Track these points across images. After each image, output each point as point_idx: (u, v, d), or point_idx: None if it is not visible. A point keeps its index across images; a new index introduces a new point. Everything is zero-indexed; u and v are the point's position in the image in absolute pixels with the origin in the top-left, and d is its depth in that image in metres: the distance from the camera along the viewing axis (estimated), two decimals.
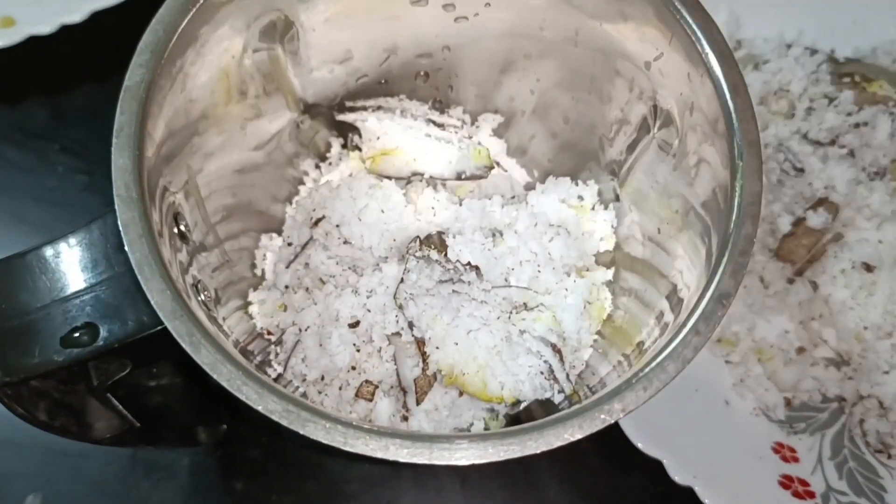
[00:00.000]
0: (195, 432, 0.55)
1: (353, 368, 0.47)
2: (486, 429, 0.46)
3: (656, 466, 0.52)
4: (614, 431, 0.50)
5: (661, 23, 0.41)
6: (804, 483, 0.55)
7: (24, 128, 0.68)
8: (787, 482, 0.54)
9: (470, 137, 0.54)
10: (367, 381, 0.46)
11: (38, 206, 0.66)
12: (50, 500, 0.56)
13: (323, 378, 0.47)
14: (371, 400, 0.46)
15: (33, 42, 0.62)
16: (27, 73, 0.68)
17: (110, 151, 0.36)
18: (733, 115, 0.38)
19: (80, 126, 0.68)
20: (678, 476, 0.52)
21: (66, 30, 0.62)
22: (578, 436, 0.33)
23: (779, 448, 0.57)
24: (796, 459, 0.57)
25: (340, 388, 0.47)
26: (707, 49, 0.40)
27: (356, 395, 0.46)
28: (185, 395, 0.52)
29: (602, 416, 0.33)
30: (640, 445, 0.51)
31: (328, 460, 0.57)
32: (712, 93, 0.39)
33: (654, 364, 0.34)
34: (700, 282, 0.38)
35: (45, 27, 0.62)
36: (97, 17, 0.63)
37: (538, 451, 0.32)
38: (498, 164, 0.55)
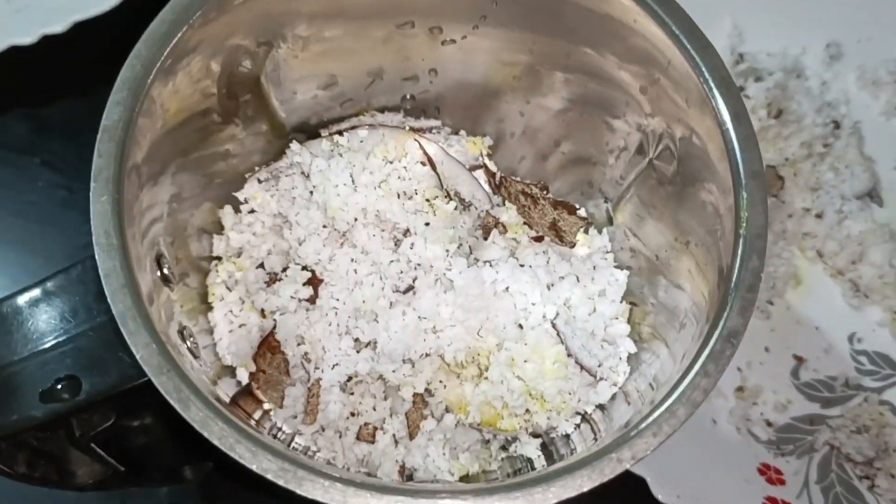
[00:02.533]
0: (181, 471, 0.53)
1: (353, 414, 0.45)
2: (480, 469, 0.45)
3: (640, 484, 0.51)
4: None
5: (658, 47, 0.40)
6: None
7: (3, 141, 0.66)
8: None
9: (457, 133, 0.53)
10: (365, 424, 0.45)
11: (18, 222, 0.63)
12: None
13: (321, 430, 0.45)
14: (374, 441, 0.44)
15: (14, 53, 0.60)
16: (7, 84, 0.66)
17: (91, 166, 0.34)
18: (735, 145, 0.37)
19: (60, 140, 0.66)
20: (661, 494, 0.51)
21: (47, 40, 0.60)
22: (587, 487, 0.32)
23: (765, 469, 0.56)
24: (782, 482, 0.56)
25: (340, 435, 0.45)
26: (707, 75, 0.38)
27: (357, 437, 0.44)
28: (169, 434, 0.50)
29: (612, 465, 0.32)
30: None
31: None
32: (712, 121, 0.38)
33: (663, 408, 0.33)
34: (706, 317, 0.36)
35: (27, 38, 0.59)
36: (80, 28, 0.60)
37: None
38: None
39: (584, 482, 0.32)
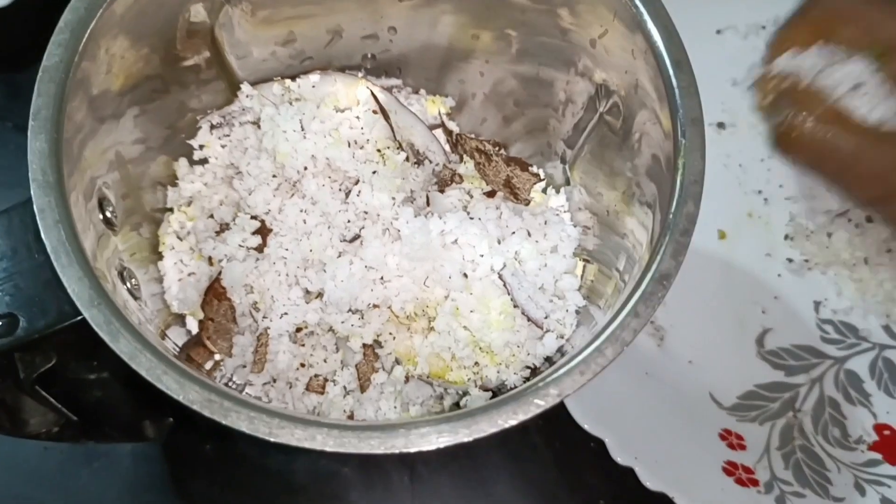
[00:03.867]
0: (140, 427, 0.53)
1: (303, 365, 0.45)
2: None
3: (607, 458, 0.51)
4: (567, 425, 0.49)
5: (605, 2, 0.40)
6: (748, 471, 0.54)
7: None
8: (731, 468, 0.54)
9: (417, 92, 0.53)
10: (315, 376, 0.45)
11: None
12: None
13: (272, 381, 0.45)
14: (323, 392, 0.45)
15: None
16: None
17: (30, 108, 0.35)
18: (676, 92, 0.37)
19: None
20: (620, 457, 0.51)
21: (19, 4, 0.60)
22: (513, 422, 0.32)
23: (726, 435, 0.57)
24: (743, 447, 0.56)
25: (290, 386, 0.45)
26: (650, 24, 0.39)
27: (307, 388, 0.45)
28: (126, 389, 0.51)
29: (537, 402, 0.32)
30: (585, 426, 0.50)
31: (274, 454, 0.56)
32: (655, 69, 0.38)
33: (591, 348, 0.33)
34: (638, 263, 0.37)
35: (1, 0, 0.60)
36: None
37: (470, 439, 0.31)
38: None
39: (509, 417, 0.32)
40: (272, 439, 0.31)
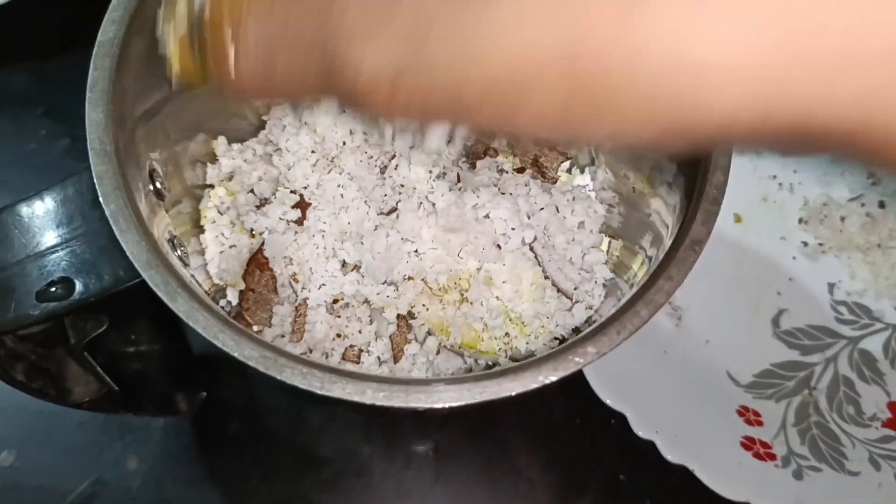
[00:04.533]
0: (174, 400, 0.55)
1: (339, 336, 0.47)
2: None
3: (621, 421, 0.53)
4: (587, 402, 0.51)
5: None
6: (766, 445, 0.56)
7: (6, 93, 0.67)
8: (748, 443, 0.55)
9: None
10: (351, 346, 0.46)
11: (18, 169, 0.65)
12: (23, 457, 0.56)
13: (309, 351, 0.47)
14: (358, 362, 0.46)
15: (15, 6, 0.61)
16: (8, 38, 0.68)
17: (87, 81, 0.36)
18: None
19: (63, 91, 0.66)
20: (641, 430, 0.52)
21: None
22: (553, 378, 0.33)
23: (743, 411, 0.58)
24: (760, 423, 0.58)
25: (326, 356, 0.46)
26: None
27: (342, 357, 0.46)
28: (163, 362, 0.52)
29: (576, 359, 0.34)
30: (607, 401, 0.52)
31: (300, 431, 0.57)
32: None
33: (627, 308, 0.35)
34: (673, 230, 0.38)
35: None
36: None
37: (514, 393, 0.33)
38: None
39: (550, 373, 0.33)
40: (324, 393, 0.32)
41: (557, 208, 0.46)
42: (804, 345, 0.62)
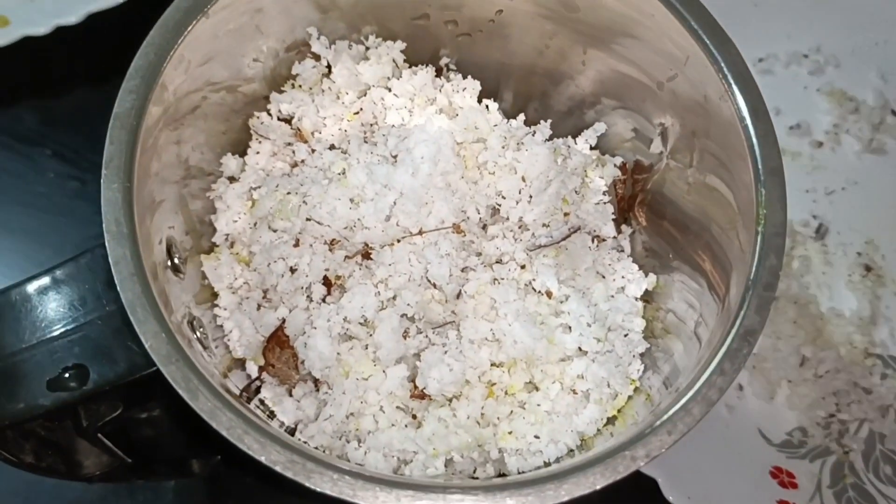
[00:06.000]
0: (188, 464, 0.53)
1: None
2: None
3: (651, 486, 0.50)
4: None
5: (676, 42, 0.40)
6: None
7: (14, 132, 0.65)
8: None
9: None
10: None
11: (27, 213, 0.63)
12: None
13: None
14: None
15: (27, 43, 0.60)
16: (20, 75, 0.66)
17: (103, 157, 0.34)
18: (755, 141, 0.37)
19: (72, 131, 0.66)
20: (672, 496, 0.50)
21: (61, 31, 0.60)
22: (600, 484, 0.31)
23: (777, 473, 0.56)
24: (794, 485, 0.56)
25: None
26: (726, 70, 0.38)
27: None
28: (176, 426, 0.50)
29: (626, 463, 0.32)
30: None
31: None
32: (732, 116, 0.38)
33: (678, 406, 0.33)
34: (723, 315, 0.36)
35: (40, 28, 0.60)
36: (93, 19, 0.60)
37: (558, 502, 0.31)
38: None
39: (598, 479, 0.31)
40: (357, 501, 0.30)
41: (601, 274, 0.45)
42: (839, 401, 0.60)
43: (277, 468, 0.31)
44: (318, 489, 0.30)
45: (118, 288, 0.32)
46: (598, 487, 0.31)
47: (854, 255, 0.64)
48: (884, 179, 0.67)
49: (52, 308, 0.36)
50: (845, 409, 0.59)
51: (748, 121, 0.37)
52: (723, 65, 0.38)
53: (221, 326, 0.42)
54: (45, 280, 0.36)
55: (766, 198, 0.36)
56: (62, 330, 0.36)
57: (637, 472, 0.50)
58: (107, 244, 0.33)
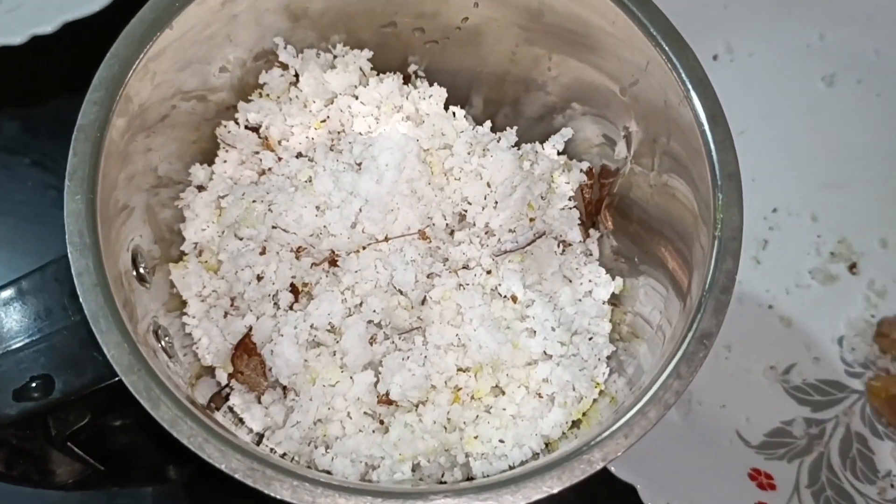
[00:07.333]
0: (165, 471, 0.53)
1: None
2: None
3: (629, 492, 0.51)
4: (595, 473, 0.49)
5: (638, 47, 0.40)
6: None
7: None
8: None
9: None
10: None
11: (7, 221, 0.63)
12: None
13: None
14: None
15: (4, 53, 0.60)
16: None
17: (66, 168, 0.35)
18: (712, 146, 0.37)
19: (51, 139, 0.66)
20: (651, 501, 0.51)
21: (37, 41, 0.60)
22: (557, 488, 0.32)
23: (755, 475, 0.56)
24: (773, 486, 0.56)
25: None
26: (684, 76, 0.38)
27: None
28: (151, 434, 0.50)
29: (582, 467, 0.32)
30: (613, 470, 0.50)
31: None
32: (690, 121, 0.38)
33: (634, 410, 0.33)
34: (680, 318, 0.36)
35: (17, 38, 0.59)
36: (69, 28, 0.61)
37: None
38: None
39: (555, 483, 0.31)
40: None
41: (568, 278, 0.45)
42: (815, 400, 0.60)
43: (238, 476, 0.31)
44: (278, 496, 0.31)
45: (81, 299, 0.33)
46: (555, 491, 0.31)
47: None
48: None
49: (17, 319, 0.36)
50: (821, 408, 0.60)
51: (706, 126, 0.37)
52: (681, 70, 0.38)
53: (190, 334, 0.42)
54: (10, 291, 0.37)
55: (723, 202, 0.36)
56: (28, 340, 0.36)
57: (614, 479, 0.51)
58: (69, 255, 0.33)
